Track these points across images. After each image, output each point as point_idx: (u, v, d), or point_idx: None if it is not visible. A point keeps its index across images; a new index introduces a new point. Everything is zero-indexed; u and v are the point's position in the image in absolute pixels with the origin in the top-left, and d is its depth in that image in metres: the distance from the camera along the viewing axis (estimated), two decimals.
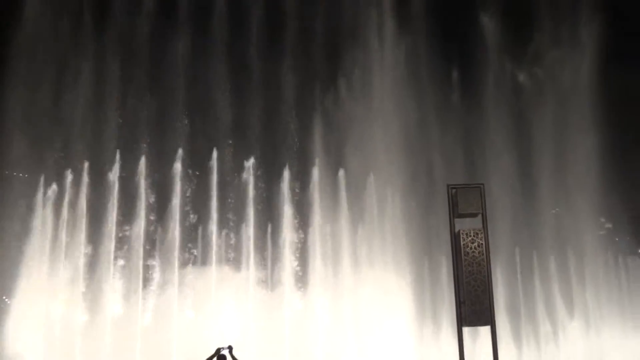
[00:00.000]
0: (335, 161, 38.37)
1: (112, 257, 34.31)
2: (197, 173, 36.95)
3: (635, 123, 48.48)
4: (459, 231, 19.85)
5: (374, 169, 38.35)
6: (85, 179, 35.01)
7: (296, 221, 36.68)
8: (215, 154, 36.62)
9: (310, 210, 36.91)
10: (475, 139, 43.40)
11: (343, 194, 37.43)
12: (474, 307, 19.02)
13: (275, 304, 34.84)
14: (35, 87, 36.33)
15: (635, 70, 49.19)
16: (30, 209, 34.32)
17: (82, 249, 34.44)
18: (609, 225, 45.90)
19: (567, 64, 45.05)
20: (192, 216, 36.20)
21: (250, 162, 36.80)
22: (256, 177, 36.93)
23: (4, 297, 35.13)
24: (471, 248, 19.42)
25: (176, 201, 35.35)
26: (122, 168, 35.27)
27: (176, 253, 34.64)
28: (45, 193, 34.51)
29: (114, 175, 34.87)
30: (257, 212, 36.58)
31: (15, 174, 36.95)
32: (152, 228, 35.47)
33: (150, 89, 37.30)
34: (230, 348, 16.26)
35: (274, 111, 38.73)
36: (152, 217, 35.47)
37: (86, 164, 35.25)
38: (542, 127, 43.99)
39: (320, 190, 37.20)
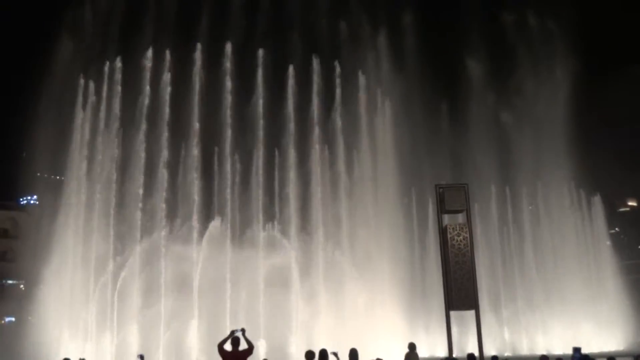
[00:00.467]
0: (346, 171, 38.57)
1: None
2: None
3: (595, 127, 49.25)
4: (446, 226, 20.35)
5: (378, 174, 38.71)
6: None
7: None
8: None
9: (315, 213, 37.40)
10: (461, 153, 44.35)
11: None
12: (460, 294, 19.57)
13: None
14: None
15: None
16: None
17: None
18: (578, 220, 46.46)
19: (542, 94, 45.66)
20: None
21: None
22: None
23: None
24: (457, 241, 19.93)
25: None
26: None
27: None
28: None
29: None
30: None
31: None
32: None
33: None
34: (243, 330, 16.32)
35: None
36: None
37: None
38: (519, 143, 44.89)
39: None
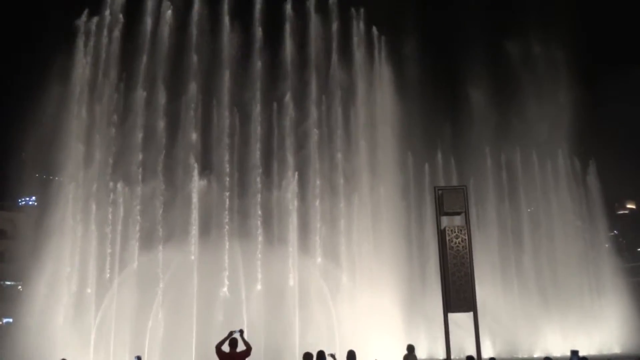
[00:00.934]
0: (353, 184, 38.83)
1: None
2: None
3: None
4: (444, 228, 20.38)
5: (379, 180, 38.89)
6: None
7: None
8: None
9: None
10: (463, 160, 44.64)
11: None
12: (458, 296, 19.58)
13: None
14: None
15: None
16: None
17: None
18: (578, 223, 46.57)
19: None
20: None
21: None
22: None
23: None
24: (455, 243, 19.95)
25: None
26: None
27: None
28: None
29: None
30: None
31: None
32: None
33: None
34: (241, 331, 16.41)
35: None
36: None
37: None
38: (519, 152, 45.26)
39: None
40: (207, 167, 37.49)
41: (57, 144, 35.99)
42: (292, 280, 35.16)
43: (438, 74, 45.94)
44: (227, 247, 35.84)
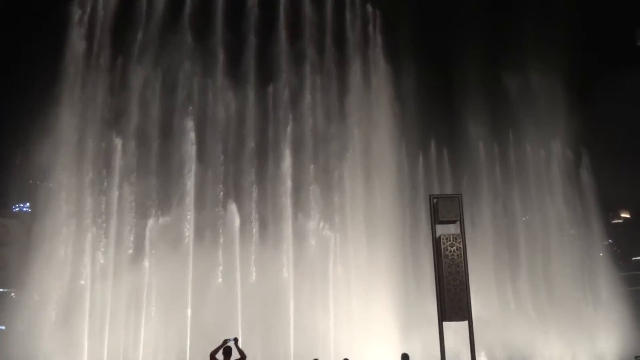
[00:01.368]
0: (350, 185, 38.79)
1: None
2: None
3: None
4: (439, 236, 20.37)
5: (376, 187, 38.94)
6: None
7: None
8: None
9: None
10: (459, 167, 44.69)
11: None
12: (453, 304, 19.55)
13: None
14: None
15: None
16: None
17: None
18: (572, 232, 46.73)
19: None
20: None
21: None
22: None
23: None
24: (450, 251, 19.94)
25: None
26: None
27: None
28: None
29: None
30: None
31: None
32: None
33: None
34: (236, 340, 16.33)
35: None
36: None
37: None
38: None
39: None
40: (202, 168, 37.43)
41: (50, 150, 35.86)
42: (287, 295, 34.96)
43: (435, 75, 46.17)
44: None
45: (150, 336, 33.56)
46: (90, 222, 35.11)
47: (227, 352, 15.74)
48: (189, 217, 36.10)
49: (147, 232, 35.47)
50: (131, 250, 35.17)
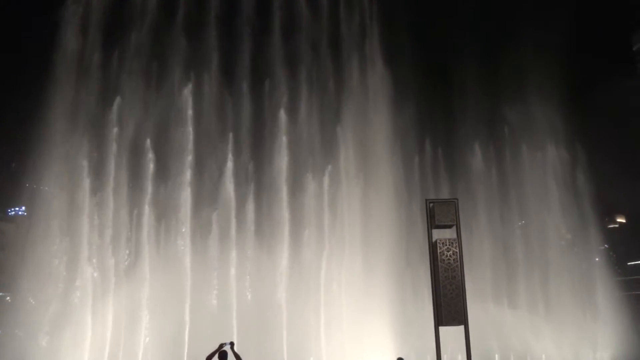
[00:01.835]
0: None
1: None
2: None
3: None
4: (436, 241, 20.36)
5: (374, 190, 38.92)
6: None
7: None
8: None
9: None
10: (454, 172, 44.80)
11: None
12: (449, 309, 19.54)
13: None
14: None
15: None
16: None
17: None
18: (568, 237, 46.83)
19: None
20: None
21: None
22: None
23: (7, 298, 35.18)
24: (447, 256, 19.94)
25: None
26: None
27: None
28: None
29: None
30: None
31: None
32: None
33: None
34: (232, 344, 16.28)
35: None
36: None
37: None
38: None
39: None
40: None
41: (46, 154, 35.81)
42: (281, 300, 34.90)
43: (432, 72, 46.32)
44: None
45: (150, 335, 33.40)
46: (86, 226, 34.94)
47: (223, 357, 15.70)
48: (186, 219, 36.05)
49: (144, 235, 35.36)
50: (128, 253, 35.02)
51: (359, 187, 38.33)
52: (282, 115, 39.02)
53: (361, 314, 35.06)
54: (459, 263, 19.74)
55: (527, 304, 42.67)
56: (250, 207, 37.51)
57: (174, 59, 38.23)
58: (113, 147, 36.36)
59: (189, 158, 37.03)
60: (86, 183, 35.71)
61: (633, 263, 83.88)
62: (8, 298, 44.79)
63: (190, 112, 37.74)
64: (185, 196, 36.26)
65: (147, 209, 35.72)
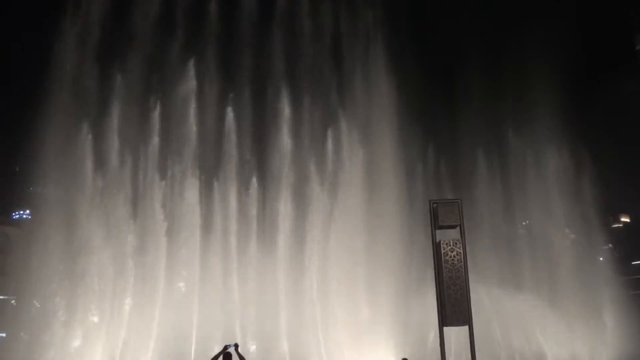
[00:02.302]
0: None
1: None
2: None
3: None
4: (439, 241, 20.38)
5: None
6: None
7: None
8: None
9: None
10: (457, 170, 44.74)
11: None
12: (453, 309, 19.56)
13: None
14: None
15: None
16: None
17: None
18: (573, 236, 46.69)
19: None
20: None
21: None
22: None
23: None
24: (451, 256, 19.96)
25: None
26: None
27: None
28: None
29: None
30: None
31: None
32: None
33: None
34: (236, 346, 16.33)
35: None
36: None
37: None
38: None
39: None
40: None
41: (50, 157, 35.87)
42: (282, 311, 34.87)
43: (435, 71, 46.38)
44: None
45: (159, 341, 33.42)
46: (91, 229, 34.99)
47: (227, 358, 15.76)
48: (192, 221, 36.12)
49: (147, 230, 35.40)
50: (131, 253, 35.06)
51: (363, 193, 38.18)
52: (284, 118, 39.05)
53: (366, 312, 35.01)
54: (463, 263, 19.78)
55: (532, 304, 42.49)
56: (253, 212, 37.52)
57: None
58: (115, 145, 36.33)
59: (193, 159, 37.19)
60: (90, 186, 35.73)
61: (638, 262, 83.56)
62: (13, 301, 44.89)
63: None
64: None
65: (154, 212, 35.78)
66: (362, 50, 41.92)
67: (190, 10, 39.78)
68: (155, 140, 37.14)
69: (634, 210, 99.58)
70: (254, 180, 38.24)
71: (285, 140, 38.72)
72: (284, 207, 37.22)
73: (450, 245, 20.02)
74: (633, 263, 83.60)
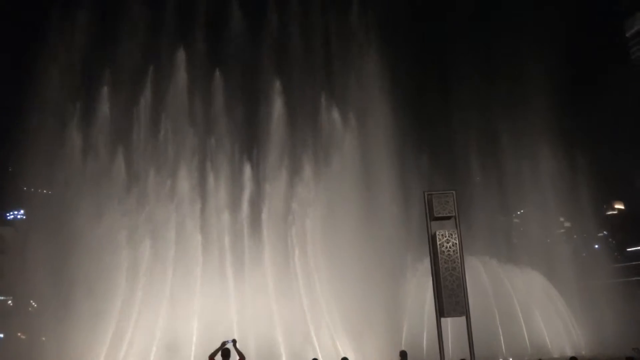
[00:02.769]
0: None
1: None
2: None
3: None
4: (435, 232, 20.39)
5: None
6: None
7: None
8: None
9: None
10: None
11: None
12: (450, 300, 19.61)
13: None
14: None
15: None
16: None
17: None
18: (567, 224, 46.95)
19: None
20: None
21: None
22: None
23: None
24: (446, 247, 20.00)
25: None
26: None
27: None
28: None
29: None
30: None
31: None
32: None
33: None
34: (234, 341, 16.33)
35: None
36: None
37: None
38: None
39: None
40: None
41: (45, 157, 35.69)
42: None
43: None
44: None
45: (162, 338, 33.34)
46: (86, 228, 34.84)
47: (226, 354, 15.75)
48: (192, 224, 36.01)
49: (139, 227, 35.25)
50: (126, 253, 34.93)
51: (358, 190, 38.00)
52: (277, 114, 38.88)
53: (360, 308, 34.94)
54: (459, 254, 19.81)
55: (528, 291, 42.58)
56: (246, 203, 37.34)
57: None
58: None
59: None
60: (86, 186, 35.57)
61: (632, 249, 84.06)
62: (9, 302, 44.83)
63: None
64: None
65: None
66: (356, 45, 41.70)
67: None
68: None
69: (628, 197, 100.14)
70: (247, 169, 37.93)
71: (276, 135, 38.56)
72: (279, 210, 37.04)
73: (445, 237, 20.04)
74: (628, 250, 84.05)
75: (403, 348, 22.18)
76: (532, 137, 46.43)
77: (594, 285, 45.31)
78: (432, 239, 20.24)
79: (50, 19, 38.25)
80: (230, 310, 33.62)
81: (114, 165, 35.95)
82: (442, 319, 19.84)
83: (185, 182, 36.38)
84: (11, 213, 59.71)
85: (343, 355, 18.49)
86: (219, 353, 15.92)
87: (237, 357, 15.87)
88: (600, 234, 54.87)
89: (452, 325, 28.96)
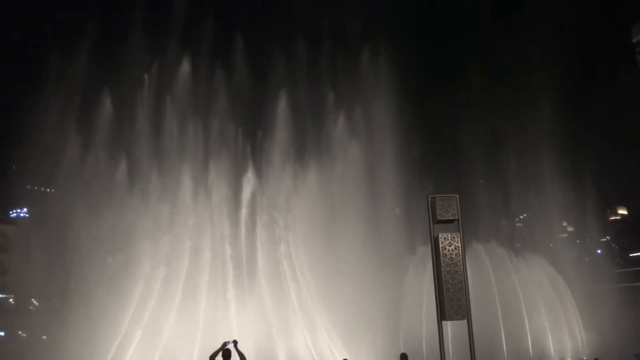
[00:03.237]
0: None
1: None
2: None
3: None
4: (437, 235, 20.35)
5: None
6: None
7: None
8: None
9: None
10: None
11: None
12: (452, 303, 19.54)
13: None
14: None
15: None
16: None
17: None
18: (570, 229, 46.84)
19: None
20: None
21: None
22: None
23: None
24: (449, 250, 19.95)
25: None
26: None
27: None
28: None
29: None
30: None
31: None
32: None
33: None
34: (235, 342, 16.31)
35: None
36: None
37: None
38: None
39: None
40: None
41: (48, 155, 35.75)
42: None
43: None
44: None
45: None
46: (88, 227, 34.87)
47: (227, 355, 15.73)
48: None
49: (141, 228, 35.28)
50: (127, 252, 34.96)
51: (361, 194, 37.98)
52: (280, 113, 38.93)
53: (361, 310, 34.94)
54: (461, 257, 19.75)
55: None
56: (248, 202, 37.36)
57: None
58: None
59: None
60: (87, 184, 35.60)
61: (635, 255, 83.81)
62: (11, 300, 44.90)
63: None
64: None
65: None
66: (362, 46, 41.74)
67: None
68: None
69: (632, 203, 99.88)
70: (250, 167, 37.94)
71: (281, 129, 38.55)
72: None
73: (448, 240, 19.98)
74: (631, 255, 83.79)
75: (403, 351, 22.07)
76: (536, 142, 46.38)
77: (597, 290, 45.22)
78: (435, 242, 20.21)
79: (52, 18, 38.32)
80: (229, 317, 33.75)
81: (116, 164, 36.06)
82: (443, 322, 19.79)
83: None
84: (14, 211, 59.82)
85: (343, 357, 18.42)
86: (220, 354, 15.90)
87: (238, 358, 15.84)
88: (604, 239, 54.82)
89: (452, 330, 28.97)
